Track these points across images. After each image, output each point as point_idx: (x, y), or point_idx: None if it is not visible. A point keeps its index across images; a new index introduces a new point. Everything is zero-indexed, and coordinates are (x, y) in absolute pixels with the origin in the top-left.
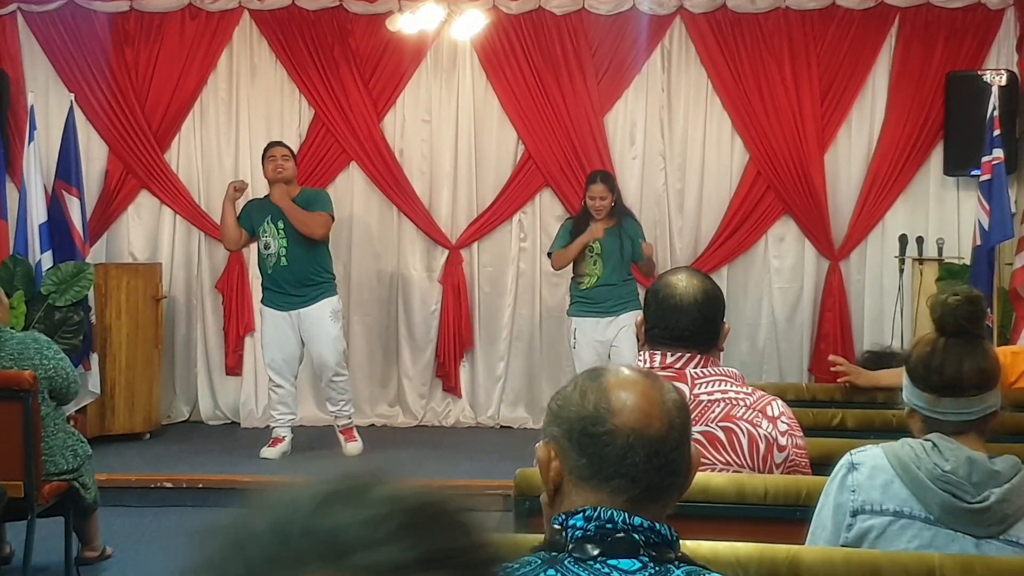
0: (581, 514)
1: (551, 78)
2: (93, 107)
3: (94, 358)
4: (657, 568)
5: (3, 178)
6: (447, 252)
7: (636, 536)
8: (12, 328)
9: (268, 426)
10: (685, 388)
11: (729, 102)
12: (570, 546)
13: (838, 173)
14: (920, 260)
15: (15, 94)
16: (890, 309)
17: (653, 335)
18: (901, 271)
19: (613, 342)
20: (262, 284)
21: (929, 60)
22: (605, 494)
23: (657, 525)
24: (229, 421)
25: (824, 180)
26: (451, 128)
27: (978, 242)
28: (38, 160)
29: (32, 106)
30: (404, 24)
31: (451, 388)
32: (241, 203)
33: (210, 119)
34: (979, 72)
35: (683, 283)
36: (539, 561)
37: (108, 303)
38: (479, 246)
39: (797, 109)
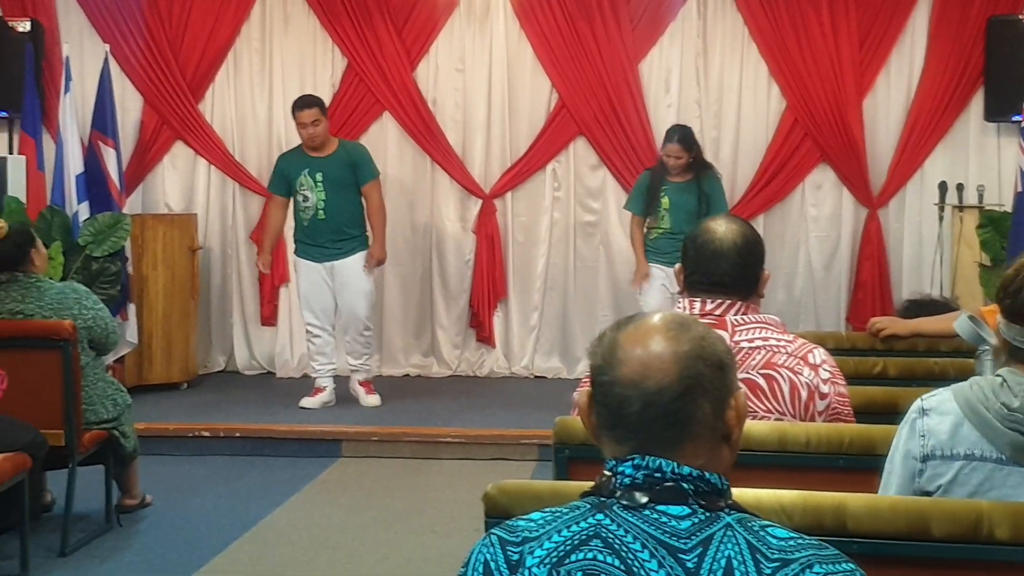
0: (630, 462)
1: (585, 25)
2: (128, 58)
3: (131, 308)
4: (707, 515)
5: (40, 129)
6: (481, 202)
7: (685, 485)
8: (50, 278)
9: (304, 376)
10: (725, 335)
11: (766, 48)
12: (618, 492)
13: (876, 120)
14: (960, 207)
15: (50, 45)
16: (929, 257)
17: (692, 281)
18: (941, 219)
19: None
20: (296, 236)
21: (969, 4)
22: (615, 443)
23: (707, 474)
24: (265, 371)
25: (862, 127)
26: (484, 77)
27: (1019, 188)
28: (74, 111)
29: (67, 57)
30: None
31: (485, 338)
32: (270, 155)
33: (243, 69)
34: (1020, 16)
35: (722, 228)
36: (588, 506)
37: (144, 253)
38: (513, 196)
39: (835, 55)
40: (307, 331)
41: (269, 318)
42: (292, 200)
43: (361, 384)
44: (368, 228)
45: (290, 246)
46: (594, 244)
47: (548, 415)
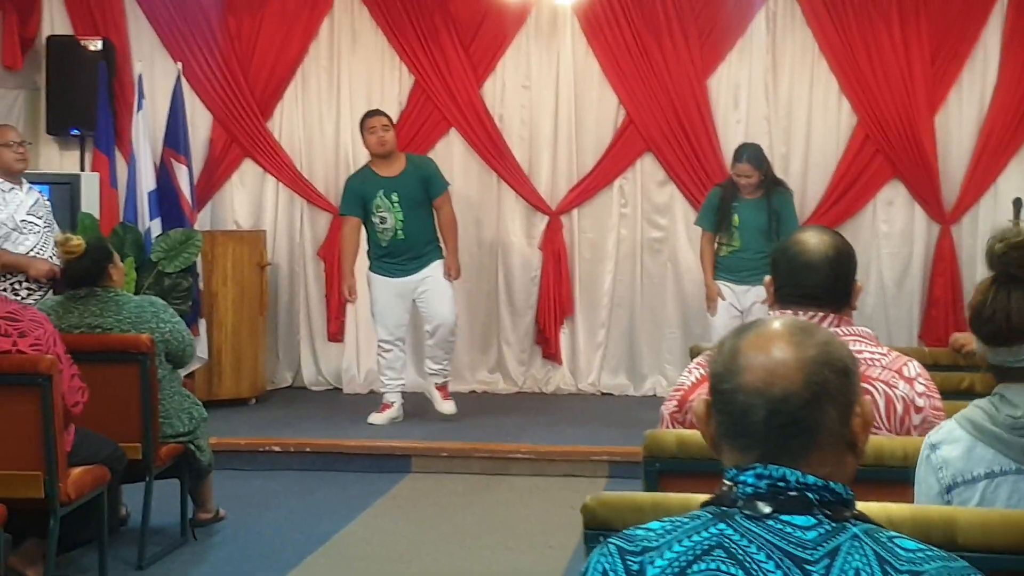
0: (752, 471)
1: (652, 41)
2: (197, 76)
3: (202, 324)
4: (833, 525)
5: (113, 147)
6: (547, 218)
7: (809, 494)
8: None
9: (371, 392)
10: None
11: (836, 64)
12: (740, 502)
13: (949, 135)
14: None
15: (121, 64)
16: None
17: (784, 294)
18: None
19: (749, 312)
20: (371, 253)
21: None
22: (737, 452)
23: (831, 483)
24: (331, 387)
25: (934, 143)
26: (551, 93)
27: None
28: (147, 129)
29: (140, 75)
30: None
31: (551, 355)
32: (337, 173)
33: (311, 87)
34: None
35: (813, 240)
36: (709, 516)
37: (214, 270)
38: (579, 212)
39: (906, 70)
40: (379, 345)
41: (336, 334)
42: (369, 219)
43: (438, 388)
44: (440, 239)
45: (361, 259)
46: (661, 261)
47: (617, 432)
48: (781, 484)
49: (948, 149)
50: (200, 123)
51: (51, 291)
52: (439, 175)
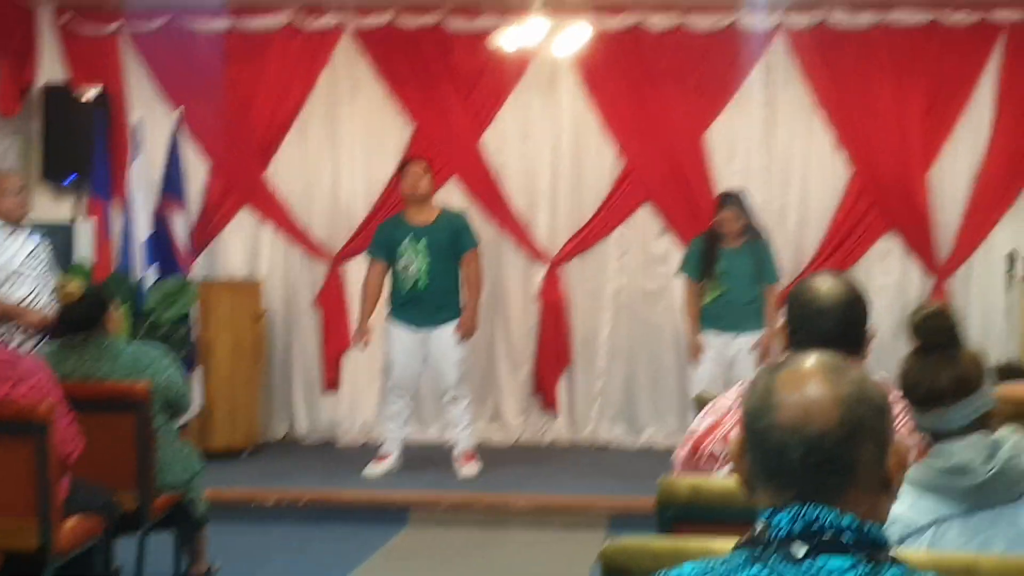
0: (787, 512)
1: (651, 93)
2: (195, 123)
3: (196, 374)
4: (870, 568)
5: (109, 195)
6: (545, 268)
7: (844, 537)
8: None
9: (366, 444)
10: None
11: (832, 117)
12: (775, 544)
13: (943, 189)
14: None
15: (116, 113)
16: (997, 327)
17: (797, 339)
18: (1008, 289)
19: (734, 361)
20: (392, 301)
21: None
22: (773, 491)
23: (866, 526)
24: (326, 439)
25: (928, 196)
26: (550, 144)
27: None
28: (143, 176)
29: (137, 123)
30: (506, 40)
31: (549, 405)
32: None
33: (310, 136)
34: None
35: (826, 285)
36: (743, 558)
37: (210, 319)
38: (578, 262)
39: (901, 123)
40: (389, 394)
41: (331, 385)
42: (392, 266)
43: (462, 456)
44: (461, 298)
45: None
46: (659, 311)
47: (615, 484)
48: (816, 527)
49: (942, 202)
50: (197, 171)
51: (43, 339)
52: (470, 230)
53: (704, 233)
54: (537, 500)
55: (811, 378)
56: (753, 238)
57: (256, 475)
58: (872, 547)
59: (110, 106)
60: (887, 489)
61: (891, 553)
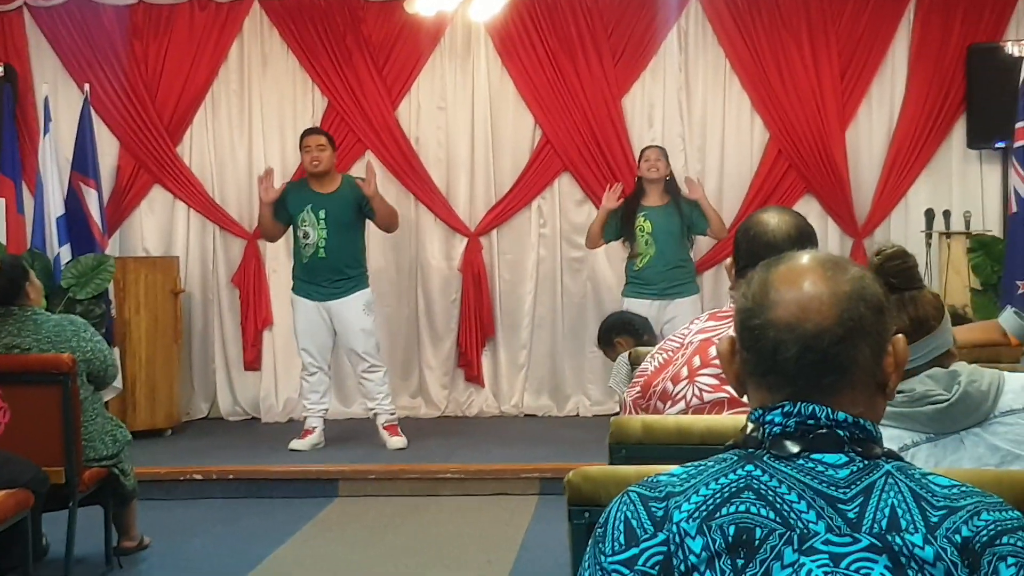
0: (779, 409)
1: (567, 61)
2: (103, 102)
3: (115, 353)
4: (865, 463)
5: (19, 173)
6: (466, 240)
7: (840, 432)
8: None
9: (290, 420)
10: None
11: (748, 81)
12: (767, 443)
13: (860, 149)
14: (947, 234)
15: (23, 90)
16: None
17: (746, 274)
18: (928, 246)
19: (663, 327)
20: (294, 273)
21: (949, 33)
22: (765, 390)
23: (861, 420)
24: (249, 417)
25: (846, 157)
26: (467, 114)
27: (1014, 209)
28: (54, 153)
29: (47, 98)
30: (421, 6)
31: (474, 378)
32: (251, 198)
33: (222, 111)
34: (1000, 43)
35: (775, 220)
36: (735, 458)
37: (127, 297)
38: (498, 233)
39: (817, 86)
40: (303, 368)
41: (253, 362)
42: (293, 234)
43: (384, 427)
44: (367, 267)
45: (275, 288)
46: (581, 280)
47: (545, 451)
48: (811, 422)
49: (859, 163)
50: (107, 150)
51: None
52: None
53: (625, 196)
54: (467, 467)
55: (809, 275)
56: (678, 198)
57: (181, 453)
58: (868, 442)
59: (17, 83)
60: (883, 389)
61: (886, 448)
